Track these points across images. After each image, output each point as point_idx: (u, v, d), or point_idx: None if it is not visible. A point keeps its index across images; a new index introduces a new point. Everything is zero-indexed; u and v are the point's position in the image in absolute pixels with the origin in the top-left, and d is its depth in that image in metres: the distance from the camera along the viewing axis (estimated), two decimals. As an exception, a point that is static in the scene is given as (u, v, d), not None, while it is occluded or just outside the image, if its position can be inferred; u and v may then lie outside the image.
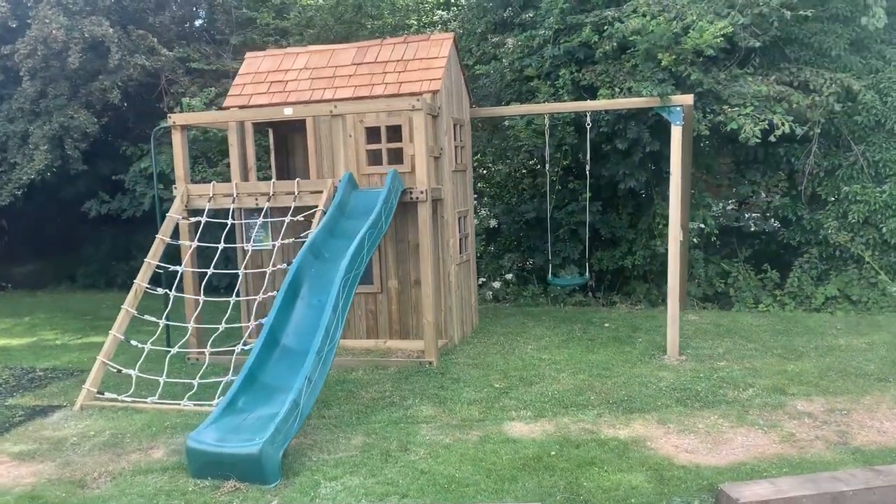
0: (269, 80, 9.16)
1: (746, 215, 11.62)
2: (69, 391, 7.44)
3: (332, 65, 9.05)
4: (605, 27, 9.92)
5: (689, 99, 8.82)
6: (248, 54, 9.69)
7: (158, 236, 7.97)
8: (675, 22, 9.24)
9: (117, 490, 5.00)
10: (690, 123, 9.11)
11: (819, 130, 10.16)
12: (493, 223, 12.17)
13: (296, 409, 5.39)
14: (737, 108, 9.44)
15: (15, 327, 11.09)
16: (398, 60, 8.83)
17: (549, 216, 10.04)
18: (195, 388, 6.82)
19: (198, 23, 14.67)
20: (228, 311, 7.62)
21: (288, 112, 7.91)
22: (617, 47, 9.80)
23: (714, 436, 5.56)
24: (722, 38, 8.99)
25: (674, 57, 9.14)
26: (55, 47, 12.03)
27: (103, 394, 6.95)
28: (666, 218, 10.59)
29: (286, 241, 7.83)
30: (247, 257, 8.69)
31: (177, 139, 8.37)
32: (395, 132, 8.38)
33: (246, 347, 7.13)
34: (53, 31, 11.80)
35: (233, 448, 5.05)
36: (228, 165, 12.47)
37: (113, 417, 6.49)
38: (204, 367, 7.37)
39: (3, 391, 7.54)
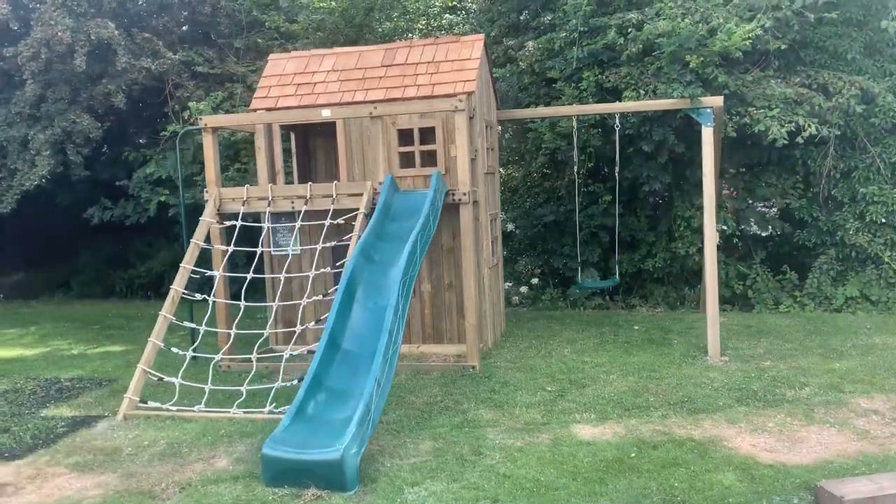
0: (296, 81, 9.02)
1: (765, 216, 11.66)
2: (104, 401, 7.22)
3: (360, 66, 8.93)
4: (630, 30, 9.93)
5: (718, 101, 8.85)
6: (270, 56, 9.52)
7: (193, 241, 7.77)
8: (700, 24, 9.28)
9: (192, 500, 4.82)
10: (720, 125, 9.14)
11: (839, 133, 10.26)
12: (509, 227, 12.11)
13: (368, 413, 5.26)
14: (763, 111, 9.50)
15: (24, 337, 10.76)
16: (429, 62, 8.74)
17: (577, 219, 10.00)
18: (243, 395, 6.63)
19: (201, 29, 14.40)
20: (270, 317, 7.42)
21: (326, 114, 7.78)
22: (641, 50, 9.80)
23: (788, 434, 5.54)
24: (750, 41, 9.04)
25: (701, 59, 9.17)
26: (59, 50, 11.75)
27: (146, 402, 6.73)
28: (687, 220, 10.69)
29: (322, 246, 7.67)
30: (273, 262, 8.52)
31: (207, 141, 8.19)
32: (426, 135, 8.28)
33: (294, 353, 6.98)
34: (59, 34, 11.52)
35: (313, 455, 4.91)
36: (238, 170, 12.38)
37: (162, 427, 6.28)
38: (251, 375, 7.19)
39: (34, 402, 7.28)
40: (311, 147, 9.83)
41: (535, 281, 11.36)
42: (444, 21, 13.76)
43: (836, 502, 4.25)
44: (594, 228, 11.12)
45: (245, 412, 6.44)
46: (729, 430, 5.66)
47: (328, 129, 9.49)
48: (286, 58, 9.42)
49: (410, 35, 13.48)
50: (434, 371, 7.70)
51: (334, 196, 7.79)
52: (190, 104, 12.50)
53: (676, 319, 10.06)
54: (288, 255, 8.67)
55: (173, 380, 6.88)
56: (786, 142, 9.38)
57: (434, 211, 7.18)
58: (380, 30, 13.09)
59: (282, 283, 8.76)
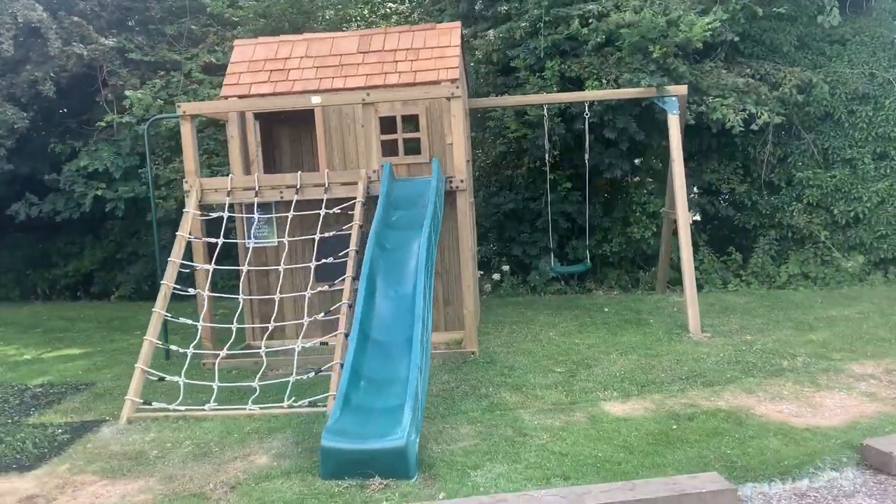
0: (268, 68, 8.75)
1: (712, 202, 12.22)
2: (92, 405, 6.80)
3: (335, 53, 8.77)
4: (590, 20, 10.20)
5: (683, 90, 9.25)
6: (236, 42, 9.21)
7: (179, 234, 7.41)
8: (660, 16, 9.65)
9: (252, 499, 4.65)
10: (684, 113, 9.55)
11: (779, 121, 10.92)
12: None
13: (417, 400, 5.23)
14: (718, 99, 9.99)
15: (-42, 344, 9.94)
16: (408, 49, 8.68)
17: (548, 206, 10.21)
18: (257, 391, 6.42)
19: (129, 14, 13.66)
20: (246, 312, 7.20)
21: (316, 100, 7.60)
22: (604, 40, 10.09)
23: (805, 400, 5.91)
24: (710, 32, 9.48)
25: (664, 50, 9.54)
26: (-19, 33, 10.90)
27: (150, 404, 6.39)
28: (643, 206, 11.11)
29: (319, 236, 7.49)
30: (248, 254, 8.26)
31: (186, 130, 7.82)
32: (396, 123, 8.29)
33: (307, 345, 6.81)
34: (-18, 16, 10.70)
35: (376, 443, 4.83)
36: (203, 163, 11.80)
37: (177, 427, 5.99)
38: (233, 372, 6.95)
39: (12, 410, 6.77)
40: (275, 136, 9.56)
41: (506, 268, 11.49)
42: (388, 9, 13.64)
43: (885, 458, 4.58)
44: (554, 216, 11.34)
45: (262, 408, 6.24)
46: (749, 400, 5.97)
47: (294, 117, 9.27)
48: (253, 43, 9.12)
49: (356, 24, 13.29)
50: (435, 359, 7.69)
51: (326, 185, 7.62)
52: (128, 93, 11.89)
53: (638, 300, 10.43)
54: (263, 247, 8.45)
55: (175, 378, 6.57)
56: (742, 129, 9.90)
57: (440, 198, 7.17)
58: (321, 16, 12.83)
59: (254, 276, 8.55)
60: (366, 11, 13.40)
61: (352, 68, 8.59)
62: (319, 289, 7.29)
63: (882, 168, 11.08)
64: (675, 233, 11.25)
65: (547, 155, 9.96)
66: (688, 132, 11.45)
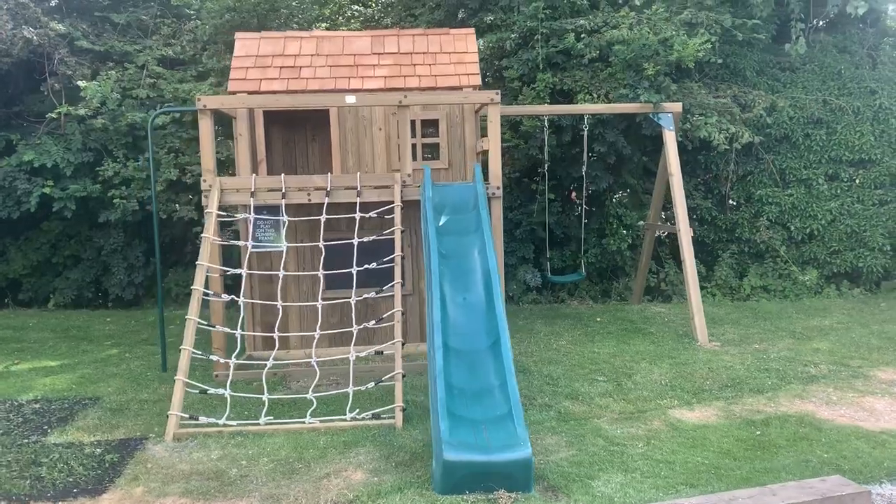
0: (277, 64, 8.37)
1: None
2: (114, 420, 6.22)
3: (348, 52, 8.50)
4: (583, 35, 10.39)
5: (678, 107, 9.58)
6: (238, 35, 8.75)
7: (205, 236, 6.90)
8: (651, 35, 9.96)
9: (378, 517, 4.38)
10: (677, 130, 9.88)
11: (759, 140, 11.46)
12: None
13: (520, 408, 5.12)
14: (701, 118, 10.41)
15: None
16: (424, 53, 8.55)
17: (546, 217, 10.27)
18: (314, 404, 6.06)
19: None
20: (247, 319, 6.83)
21: (350, 100, 7.30)
22: (597, 56, 10.29)
23: (857, 405, 6.21)
24: (702, 53, 9.87)
25: (658, 67, 9.85)
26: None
27: (197, 419, 5.90)
28: (619, 218, 11.39)
29: (358, 240, 7.18)
30: (254, 259, 7.84)
31: (205, 125, 7.32)
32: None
33: (361, 355, 6.50)
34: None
35: (503, 455, 4.67)
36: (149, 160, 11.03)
37: (240, 443, 5.56)
38: (314, 380, 6.57)
39: (20, 429, 6.07)
40: (269, 138, 9.13)
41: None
42: (353, 12, 13.32)
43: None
44: (534, 225, 11.42)
45: (323, 421, 5.90)
46: (806, 405, 6.22)
47: (287, 118, 8.92)
48: (255, 37, 8.71)
49: (318, 24, 12.90)
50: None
51: (359, 188, 7.33)
52: (81, 83, 11.00)
53: (620, 310, 10.66)
54: (266, 251, 8.02)
55: (221, 391, 6.11)
56: (727, 147, 10.35)
57: (485, 203, 7.06)
58: (285, 10, 12.38)
59: (256, 281, 8.12)
60: (327, 11, 13.02)
61: (368, 69, 8.36)
62: (366, 295, 6.99)
63: (833, 188, 11.88)
64: (629, 247, 11.68)
65: (546, 165, 10.01)
66: (657, 149, 11.88)
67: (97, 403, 6.73)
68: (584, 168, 9.99)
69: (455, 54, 8.53)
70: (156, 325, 10.29)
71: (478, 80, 8.31)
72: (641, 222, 11.59)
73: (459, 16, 11.49)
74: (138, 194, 10.80)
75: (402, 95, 7.35)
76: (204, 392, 6.17)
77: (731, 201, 12.37)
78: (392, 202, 7.24)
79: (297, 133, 9.35)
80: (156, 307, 11.78)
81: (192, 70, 12.10)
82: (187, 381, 6.04)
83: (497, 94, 7.43)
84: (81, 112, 10.87)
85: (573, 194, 12.20)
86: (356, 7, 13.38)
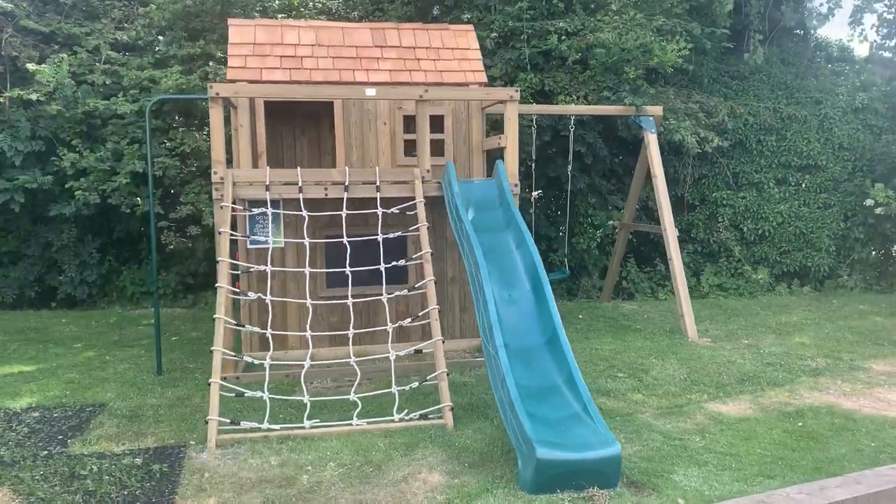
0: (276, 53, 8.04)
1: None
2: (136, 428, 5.78)
3: (350, 44, 8.28)
4: (563, 37, 10.52)
5: (658, 110, 9.88)
6: (231, 21, 8.33)
7: (223, 230, 6.53)
8: (632, 40, 10.22)
9: (483, 519, 4.29)
10: (658, 132, 10.16)
11: (727, 144, 11.93)
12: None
13: (594, 405, 5.14)
14: (674, 122, 10.76)
15: None
16: (427, 48, 8.44)
17: (533, 218, 10.30)
18: (359, 406, 5.85)
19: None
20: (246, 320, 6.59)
21: (371, 93, 7.08)
22: (579, 58, 10.45)
23: (873, 396, 6.57)
24: (681, 58, 10.20)
25: (639, 71, 10.11)
26: None
27: (238, 423, 5.58)
28: (589, 217, 11.62)
29: (383, 236, 6.99)
30: (251, 256, 7.54)
31: (215, 114, 6.93)
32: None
33: (401, 353, 6.32)
34: None
35: (594, 452, 4.66)
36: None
37: (295, 448, 5.30)
38: (355, 381, 6.33)
39: (31, 439, 5.57)
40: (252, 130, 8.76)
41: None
42: (317, 5, 12.93)
43: None
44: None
45: (370, 423, 5.71)
46: (826, 397, 6.53)
47: (273, 110, 8.60)
48: (251, 24, 8.35)
49: (278, 14, 12.48)
50: (477, 366, 7.50)
51: (377, 183, 7.14)
52: (31, 66, 10.22)
53: (594, 307, 10.86)
54: (263, 248, 7.71)
55: (258, 394, 5.80)
56: (699, 150, 10.73)
57: (513, 200, 7.02)
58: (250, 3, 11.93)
59: (254, 279, 7.78)
60: (295, 1, 12.62)
61: (371, 62, 8.16)
62: (397, 293, 6.81)
63: (783, 192, 12.54)
64: (597, 247, 11.96)
65: (533, 165, 10.07)
66: (621, 151, 12.20)
67: (104, 410, 6.25)
68: (570, 168, 10.11)
69: (458, 50, 8.45)
70: (120, 326, 9.75)
71: (483, 77, 8.27)
72: (611, 222, 11.86)
73: (434, 12, 11.40)
74: (100, 186, 10.10)
75: (422, 89, 7.21)
76: (241, 395, 5.84)
77: (683, 201, 12.84)
78: (408, 198, 7.10)
79: (285, 128, 9.00)
80: (112, 307, 11.20)
81: (148, 56, 11.44)
82: (223, 384, 5.71)
83: (516, 91, 7.41)
84: (34, 97, 10.09)
85: (532, 194, 12.33)
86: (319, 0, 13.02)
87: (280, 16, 12.62)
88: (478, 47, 8.55)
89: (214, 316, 6.08)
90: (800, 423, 5.84)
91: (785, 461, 5.10)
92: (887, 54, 13.43)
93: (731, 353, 8.04)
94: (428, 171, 7.29)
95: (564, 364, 5.44)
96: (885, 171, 12.17)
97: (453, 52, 8.42)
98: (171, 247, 10.90)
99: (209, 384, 5.67)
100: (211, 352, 5.89)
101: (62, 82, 10.11)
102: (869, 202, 11.81)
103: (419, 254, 6.72)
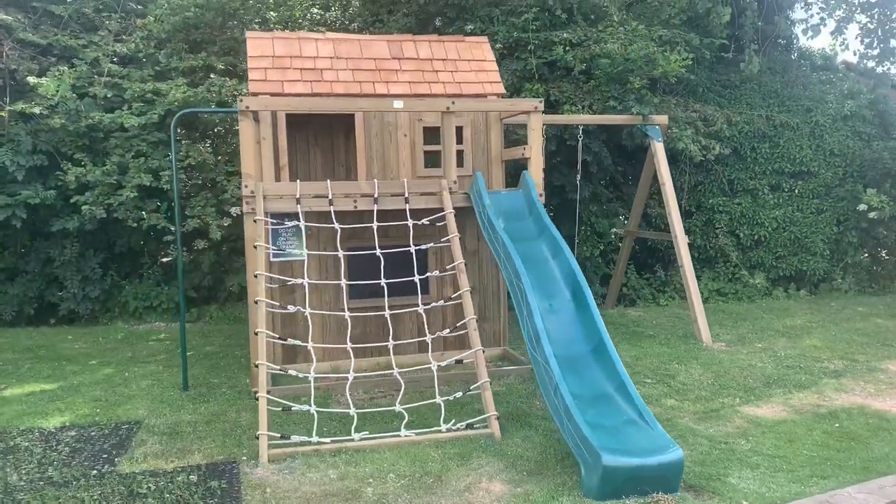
0: (296, 66, 8.04)
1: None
2: (179, 444, 5.73)
3: (368, 56, 8.31)
4: (567, 48, 10.67)
5: (664, 119, 10.07)
6: (248, 34, 8.32)
7: (260, 244, 6.50)
8: (637, 51, 10.39)
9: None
10: (664, 141, 10.33)
11: (728, 152, 12.17)
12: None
13: (649, 411, 5.22)
14: (677, 131, 10.95)
15: None
16: (444, 59, 8.50)
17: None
18: (406, 417, 5.86)
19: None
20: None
21: (398, 105, 7.13)
22: (585, 68, 10.59)
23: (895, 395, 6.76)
24: (684, 69, 10.40)
25: (644, 81, 10.29)
26: None
27: (289, 437, 5.55)
28: (592, 226, 11.75)
29: (430, 246, 7.02)
30: (275, 268, 7.52)
31: (246, 127, 6.92)
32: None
33: (442, 364, 6.34)
34: None
35: (657, 458, 4.74)
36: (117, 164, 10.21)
37: (350, 461, 5.30)
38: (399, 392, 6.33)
39: (72, 459, 5.50)
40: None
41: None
42: (314, 15, 12.93)
43: None
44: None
45: (418, 433, 5.73)
46: (854, 398, 6.71)
47: (288, 121, 8.61)
48: (269, 37, 8.33)
49: (282, 26, 12.46)
50: (503, 375, 7.56)
51: (406, 195, 7.18)
52: (32, 80, 10.08)
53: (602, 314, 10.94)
54: (288, 260, 7.71)
55: (305, 407, 5.78)
56: (702, 158, 10.93)
57: (543, 209, 7.10)
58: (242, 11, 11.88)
59: (277, 292, 7.76)
60: (297, 13, 12.60)
61: (391, 74, 8.20)
62: (434, 304, 6.84)
63: (777, 198, 12.81)
64: (600, 254, 12.12)
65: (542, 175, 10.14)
66: (621, 159, 12.37)
67: (141, 427, 6.17)
68: (579, 177, 10.23)
69: (475, 62, 8.53)
70: (130, 343, 9.62)
71: (501, 88, 8.36)
72: (615, 230, 12.01)
73: (436, 23, 11.47)
74: (106, 201, 9.96)
75: (449, 101, 7.27)
76: (288, 409, 5.82)
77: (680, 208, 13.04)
78: (435, 209, 7.16)
79: (298, 140, 8.98)
80: (115, 322, 11.03)
81: (148, 68, 11.33)
82: (270, 398, 5.68)
83: (540, 102, 7.51)
84: (36, 110, 9.93)
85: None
86: (316, 10, 13.02)
87: (277, 27, 12.60)
88: (493, 59, 8.64)
89: (256, 330, 6.06)
90: (836, 425, 5.99)
91: (832, 462, 5.24)
92: (871, 63, 13.82)
93: (748, 356, 8.20)
94: (455, 181, 7.34)
95: (614, 372, 5.52)
96: (877, 176, 12.50)
97: (469, 64, 8.49)
98: (168, 259, 10.80)
99: (256, 399, 5.66)
100: (256, 366, 5.86)
101: (65, 95, 9.97)
102: (862, 207, 12.12)
103: (453, 264, 6.76)
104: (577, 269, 6.22)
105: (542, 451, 5.48)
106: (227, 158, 11.22)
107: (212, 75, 11.25)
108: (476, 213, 7.11)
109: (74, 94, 10.30)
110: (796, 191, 12.90)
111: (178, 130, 11.34)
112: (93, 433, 6.09)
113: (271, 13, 12.46)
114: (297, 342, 6.52)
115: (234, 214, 10.52)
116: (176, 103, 10.20)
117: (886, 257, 13.22)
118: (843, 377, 7.37)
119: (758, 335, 9.35)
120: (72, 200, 9.98)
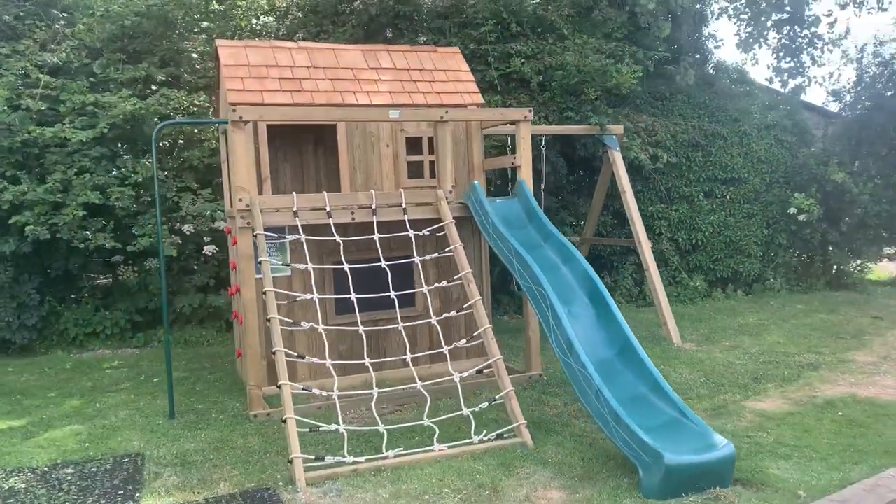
0: (273, 75, 7.78)
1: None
2: (200, 475, 5.38)
3: (345, 66, 8.15)
4: (523, 60, 10.83)
5: (620, 129, 10.38)
6: (219, 42, 8.00)
7: (264, 259, 6.22)
8: (591, 63, 10.69)
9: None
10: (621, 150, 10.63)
11: (675, 161, 12.64)
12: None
13: (689, 409, 5.33)
14: (627, 140, 11.30)
15: None
16: (420, 69, 8.44)
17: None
18: (437, 431, 5.73)
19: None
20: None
21: (395, 114, 7.01)
22: (540, 80, 10.78)
23: (882, 384, 7.19)
24: (635, 81, 10.75)
25: (598, 93, 10.58)
26: None
27: (323, 459, 5.31)
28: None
29: (430, 257, 6.89)
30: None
31: (239, 139, 6.61)
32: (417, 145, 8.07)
33: (465, 374, 6.23)
34: None
35: (713, 454, 4.85)
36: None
37: (396, 479, 5.12)
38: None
39: (84, 499, 5.07)
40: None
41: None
42: (256, 24, 12.53)
43: None
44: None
45: (451, 447, 5.62)
46: (840, 388, 7.08)
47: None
48: (240, 45, 8.06)
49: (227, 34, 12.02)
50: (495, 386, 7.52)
51: (404, 206, 7.06)
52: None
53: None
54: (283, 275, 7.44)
55: (333, 427, 5.55)
56: (652, 167, 11.31)
57: (543, 215, 7.14)
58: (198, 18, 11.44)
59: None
60: (244, 23, 12.17)
61: (370, 84, 8.07)
62: (446, 315, 6.72)
63: (711, 203, 13.43)
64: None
65: (510, 184, 10.23)
66: (573, 169, 12.65)
67: (146, 460, 5.75)
68: (543, 187, 10.37)
69: (450, 72, 8.51)
70: (82, 372, 8.97)
71: (480, 98, 8.37)
72: (570, 238, 12.21)
73: (387, 34, 11.38)
74: (49, 220, 9.26)
75: (443, 111, 7.22)
76: (316, 430, 5.57)
77: (620, 214, 13.43)
78: (433, 219, 7.10)
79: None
80: (54, 351, 10.24)
81: (82, 80, 10.64)
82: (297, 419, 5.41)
83: (530, 111, 7.57)
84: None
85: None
86: (256, 21, 12.64)
87: (217, 37, 12.15)
88: (468, 69, 8.65)
89: (274, 349, 5.78)
90: (840, 413, 6.30)
91: (855, 448, 5.50)
92: (784, 76, 14.75)
93: (724, 355, 8.52)
94: (450, 191, 7.28)
95: (646, 373, 5.60)
96: (803, 181, 13.34)
97: (446, 74, 8.47)
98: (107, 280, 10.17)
99: (284, 421, 5.38)
100: (280, 386, 5.58)
101: (1, 108, 9.23)
102: (792, 210, 12.88)
103: (461, 273, 6.70)
104: (592, 274, 6.29)
105: (581, 456, 5.48)
106: (174, 174, 10.68)
107: (153, 86, 10.73)
108: (477, 223, 7.07)
109: (7, 108, 9.55)
110: (728, 196, 13.56)
111: (119, 144, 10.73)
112: (93, 469, 5.62)
113: (210, 24, 11.99)
114: (315, 360, 6.25)
115: (188, 232, 10.03)
116: (122, 116, 9.65)
117: (810, 258, 14.09)
118: (821, 369, 7.77)
119: (720, 334, 9.74)
120: (10, 221, 9.22)
